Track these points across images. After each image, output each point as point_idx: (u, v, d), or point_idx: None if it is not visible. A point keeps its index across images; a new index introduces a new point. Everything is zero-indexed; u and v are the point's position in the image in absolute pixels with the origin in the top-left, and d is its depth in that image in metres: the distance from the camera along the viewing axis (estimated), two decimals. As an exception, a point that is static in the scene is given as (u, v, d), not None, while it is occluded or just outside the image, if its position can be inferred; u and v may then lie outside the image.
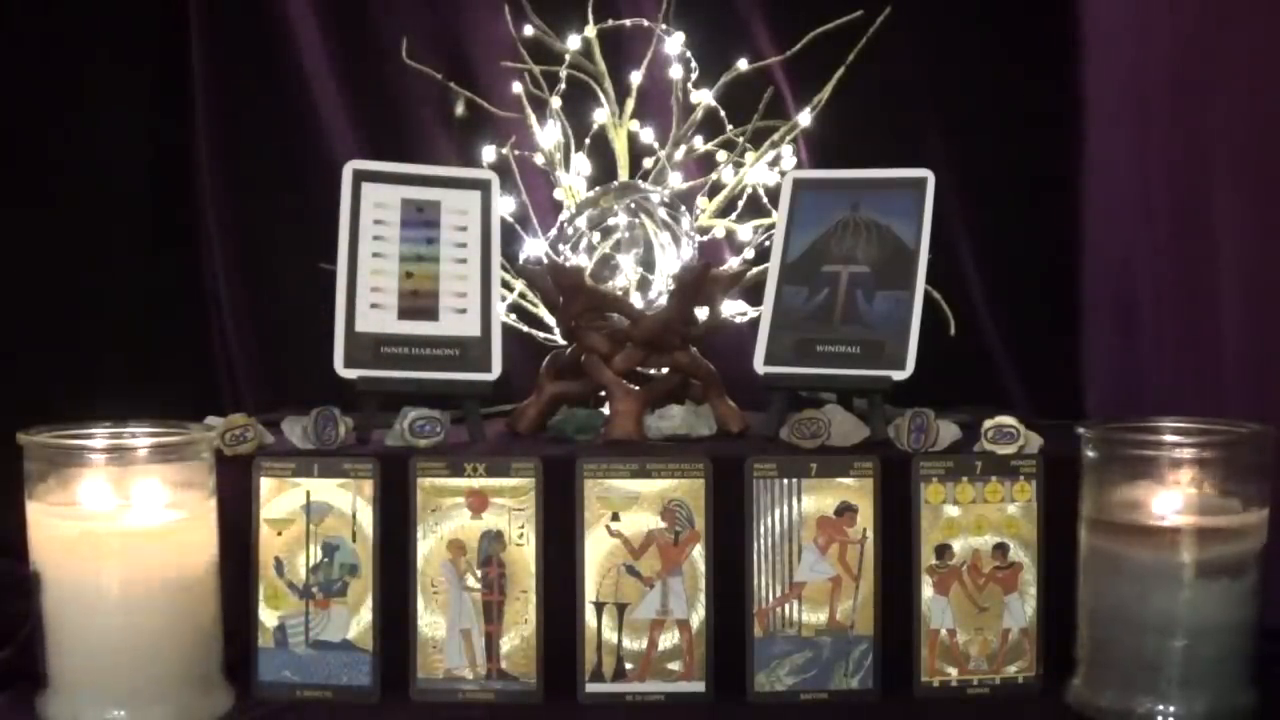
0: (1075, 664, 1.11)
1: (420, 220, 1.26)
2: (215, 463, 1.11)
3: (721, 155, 1.51)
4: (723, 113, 1.50)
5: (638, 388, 1.28)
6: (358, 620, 1.13)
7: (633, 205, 1.40)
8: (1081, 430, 1.11)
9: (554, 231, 1.45)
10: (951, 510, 1.14)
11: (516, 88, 1.50)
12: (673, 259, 1.40)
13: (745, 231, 1.50)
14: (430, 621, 1.13)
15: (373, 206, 1.25)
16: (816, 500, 1.14)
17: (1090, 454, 1.10)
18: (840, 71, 1.45)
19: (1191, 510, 1.06)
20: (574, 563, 1.13)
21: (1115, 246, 1.54)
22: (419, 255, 1.26)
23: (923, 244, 1.25)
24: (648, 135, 1.52)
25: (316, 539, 1.13)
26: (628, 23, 1.53)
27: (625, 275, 1.41)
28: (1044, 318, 1.61)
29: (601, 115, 1.50)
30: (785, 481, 1.14)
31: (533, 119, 1.50)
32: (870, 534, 1.13)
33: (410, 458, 1.14)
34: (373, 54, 1.64)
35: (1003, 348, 1.62)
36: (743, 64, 1.50)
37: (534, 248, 1.48)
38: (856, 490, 1.14)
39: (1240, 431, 1.09)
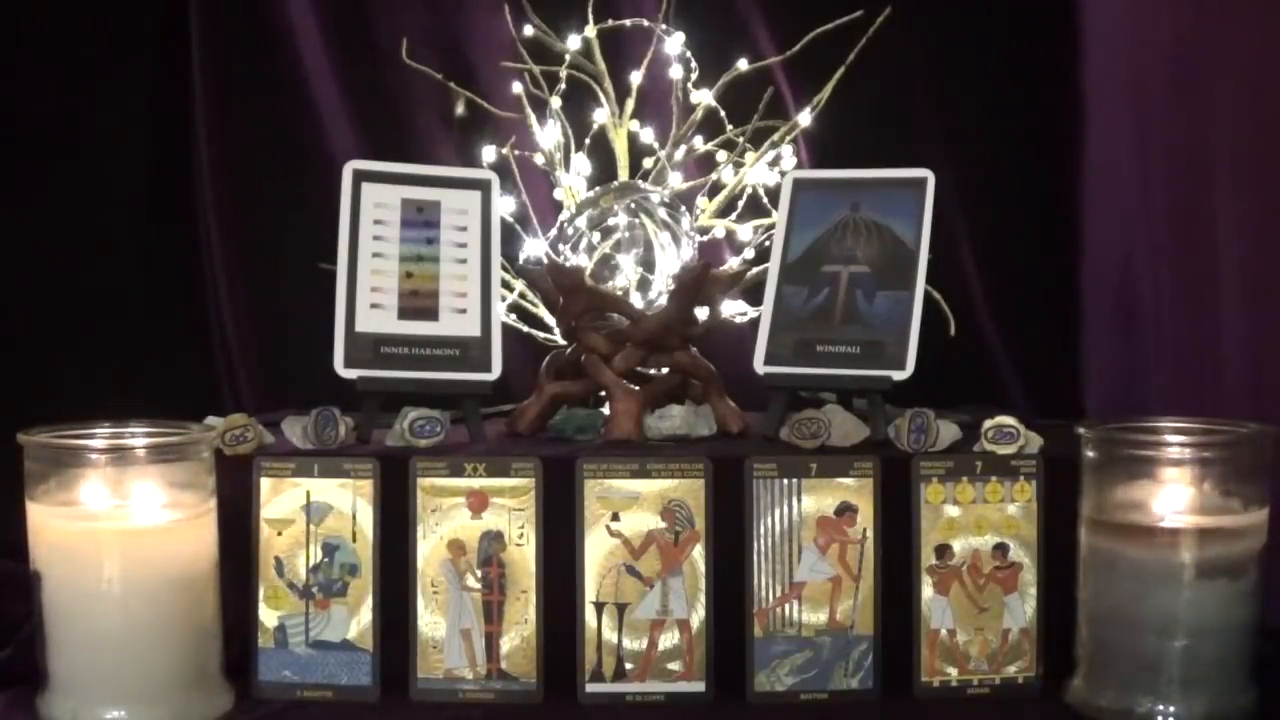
0: (1075, 664, 1.11)
1: (420, 220, 1.26)
2: (215, 463, 1.11)
3: (721, 155, 1.51)
4: (723, 113, 1.50)
5: (638, 388, 1.28)
6: (358, 620, 1.13)
7: (633, 205, 1.40)
8: (1081, 430, 1.11)
9: (554, 231, 1.45)
10: (951, 510, 1.14)
11: (516, 88, 1.50)
12: (673, 259, 1.40)
13: (745, 231, 1.50)
14: (430, 621, 1.13)
15: (373, 206, 1.25)
16: (816, 500, 1.14)
17: (1090, 454, 1.10)
18: (840, 71, 1.45)
19: (1191, 510, 1.06)
20: (574, 563, 1.13)
21: (1115, 246, 1.54)
22: (419, 255, 1.25)
23: (923, 244, 1.25)
24: (648, 135, 1.52)
25: (316, 539, 1.13)
26: (628, 23, 1.52)
27: (625, 275, 1.41)
28: (1044, 318, 1.61)
29: (601, 115, 1.50)
30: (785, 481, 1.14)
31: (533, 119, 1.49)
32: (870, 534, 1.13)
33: (410, 458, 1.14)
34: (373, 54, 1.64)
35: (1003, 348, 1.62)
36: (743, 64, 1.50)
37: (534, 248, 1.48)
38: (856, 490, 1.14)
39: (1240, 431, 1.09)
